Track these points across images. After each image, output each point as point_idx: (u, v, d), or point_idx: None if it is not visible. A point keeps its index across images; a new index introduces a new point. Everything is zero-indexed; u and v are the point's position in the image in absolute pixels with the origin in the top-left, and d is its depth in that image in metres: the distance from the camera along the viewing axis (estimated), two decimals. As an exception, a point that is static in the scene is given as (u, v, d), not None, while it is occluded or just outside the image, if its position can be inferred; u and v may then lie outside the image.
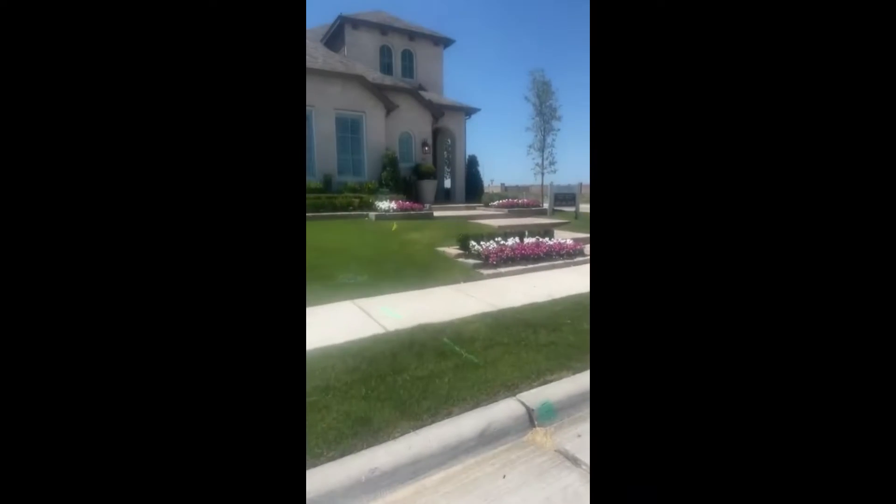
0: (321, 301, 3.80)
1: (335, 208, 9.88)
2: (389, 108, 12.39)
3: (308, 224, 8.42)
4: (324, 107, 11.28)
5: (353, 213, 9.80)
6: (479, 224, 9.24)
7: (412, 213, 9.91)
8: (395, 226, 6.86)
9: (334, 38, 14.77)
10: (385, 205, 9.93)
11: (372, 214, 9.52)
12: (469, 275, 5.09)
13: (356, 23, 14.05)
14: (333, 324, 3.28)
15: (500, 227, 8.82)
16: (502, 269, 5.31)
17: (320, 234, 6.93)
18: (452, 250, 6.10)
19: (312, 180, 10.90)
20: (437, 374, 2.35)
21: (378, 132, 12.27)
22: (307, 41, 11.74)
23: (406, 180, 12.55)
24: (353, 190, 11.06)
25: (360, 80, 11.69)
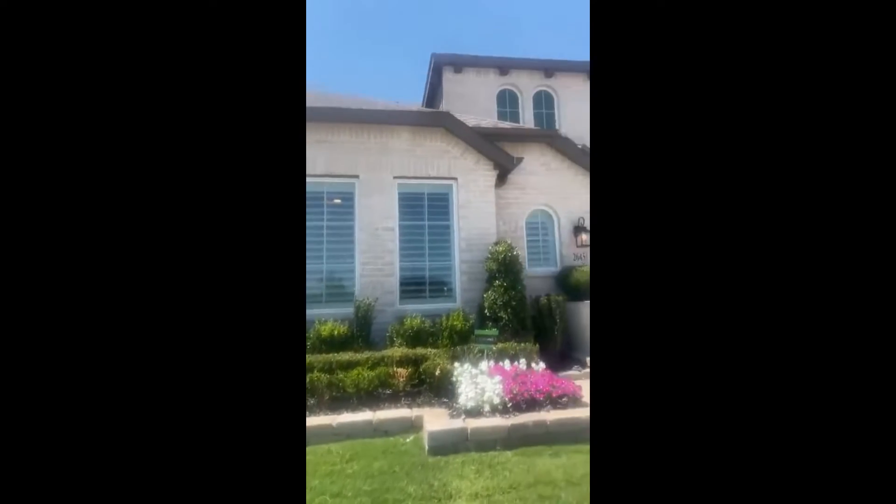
0: None
1: (336, 399, 3.77)
2: (505, 170, 6.50)
3: None
4: (374, 176, 5.94)
5: (380, 415, 3.51)
6: None
7: (553, 424, 3.12)
8: None
9: (431, 96, 10.20)
10: (473, 390, 3.44)
11: (433, 428, 3.12)
12: None
13: (459, 64, 9.26)
14: None
15: None
16: None
17: None
18: None
19: (329, 321, 5.13)
20: None
21: (481, 213, 6.27)
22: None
23: (540, 306, 5.93)
24: (414, 337, 4.87)
25: (445, 122, 6.23)
